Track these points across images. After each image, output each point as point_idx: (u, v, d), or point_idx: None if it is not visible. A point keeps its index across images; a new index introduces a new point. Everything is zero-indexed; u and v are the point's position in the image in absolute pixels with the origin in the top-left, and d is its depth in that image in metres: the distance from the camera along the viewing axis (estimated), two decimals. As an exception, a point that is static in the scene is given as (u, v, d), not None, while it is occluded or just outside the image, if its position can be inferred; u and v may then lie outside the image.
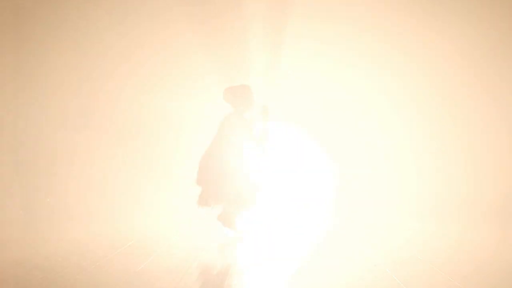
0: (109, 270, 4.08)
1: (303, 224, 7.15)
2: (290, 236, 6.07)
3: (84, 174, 8.03)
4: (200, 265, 4.35)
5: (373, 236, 6.19)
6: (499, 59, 7.86)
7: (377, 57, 7.92)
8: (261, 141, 5.71)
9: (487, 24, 7.80)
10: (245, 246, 5.50)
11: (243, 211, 5.65)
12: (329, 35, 7.94)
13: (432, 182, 7.93)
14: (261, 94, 8.13)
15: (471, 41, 7.87)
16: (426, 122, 8.03)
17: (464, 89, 7.96)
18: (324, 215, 7.84)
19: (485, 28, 7.82)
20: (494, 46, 7.84)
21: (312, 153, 8.07)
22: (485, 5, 7.79)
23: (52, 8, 7.93)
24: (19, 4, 7.85)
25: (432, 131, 8.01)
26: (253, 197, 5.65)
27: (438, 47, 7.91)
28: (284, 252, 5.19)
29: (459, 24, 7.84)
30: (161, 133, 8.13)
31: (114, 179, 8.04)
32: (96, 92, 8.08)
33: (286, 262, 4.63)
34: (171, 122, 8.16)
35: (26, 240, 5.90)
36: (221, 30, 8.01)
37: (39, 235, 6.17)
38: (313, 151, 8.06)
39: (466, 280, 3.73)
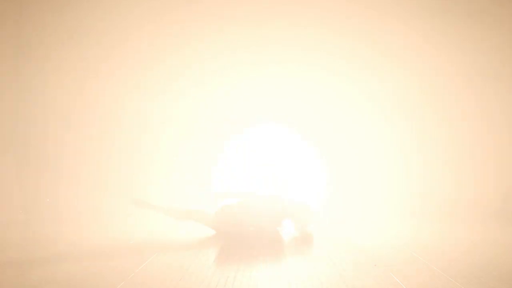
0: (109, 270, 4.08)
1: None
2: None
3: (84, 174, 8.03)
4: (199, 264, 4.35)
5: (373, 236, 6.19)
6: (491, 61, 7.89)
7: (368, 61, 7.98)
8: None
9: (477, 28, 7.84)
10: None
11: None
12: (321, 40, 7.99)
13: (433, 182, 7.94)
14: (252, 97, 8.19)
15: (461, 44, 7.91)
16: (427, 123, 8.04)
17: (457, 88, 8.00)
18: (324, 215, 7.84)
19: (475, 31, 7.86)
20: (485, 50, 7.88)
21: (311, 156, 8.09)
22: (476, 10, 7.83)
23: (51, 10, 7.95)
24: (19, 6, 7.87)
25: (429, 130, 8.04)
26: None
27: (429, 51, 7.96)
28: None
29: (448, 28, 7.88)
30: (163, 134, 8.14)
31: (115, 179, 8.04)
32: (97, 93, 8.09)
33: (285, 261, 4.63)
34: (173, 123, 8.18)
35: (26, 240, 5.90)
36: (213, 32, 8.05)
37: (39, 235, 6.17)
38: (313, 153, 8.09)
39: (466, 280, 3.73)
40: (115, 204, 7.89)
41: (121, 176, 8.06)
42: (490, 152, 7.96)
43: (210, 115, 8.14)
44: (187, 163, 8.20)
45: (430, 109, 8.05)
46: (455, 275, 3.86)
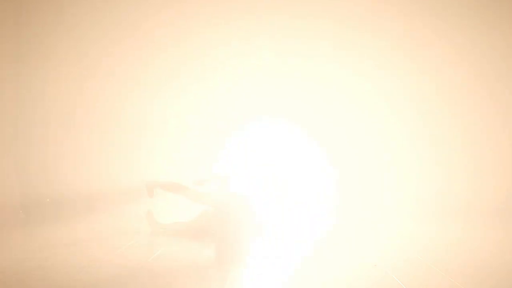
0: (109, 270, 4.08)
1: (303, 224, 7.14)
2: (290, 235, 6.07)
3: (84, 173, 8.03)
4: (198, 263, 4.35)
5: (373, 236, 6.19)
6: (500, 59, 7.86)
7: (378, 57, 7.93)
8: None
9: (487, 25, 7.81)
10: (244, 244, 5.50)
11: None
12: (330, 36, 7.93)
13: (432, 183, 7.93)
14: (254, 93, 8.17)
15: (471, 41, 7.88)
16: (426, 122, 8.03)
17: (463, 89, 7.97)
18: (324, 215, 7.84)
19: (486, 29, 7.83)
20: (495, 47, 7.85)
21: (312, 154, 8.08)
22: (486, 6, 7.80)
23: (51, 9, 7.95)
24: (19, 6, 7.86)
25: (432, 131, 8.02)
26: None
27: (439, 48, 7.92)
28: (283, 252, 5.19)
29: (460, 25, 7.85)
30: (164, 131, 8.14)
31: (114, 179, 8.04)
32: (97, 92, 8.08)
33: (286, 262, 4.63)
34: (174, 121, 8.17)
35: (26, 240, 5.89)
36: (215, 27, 8.03)
37: (39, 235, 6.17)
38: (313, 151, 8.07)
39: (466, 280, 3.73)
40: (115, 204, 7.88)
41: (121, 175, 8.05)
42: (497, 152, 7.92)
43: (212, 112, 8.13)
44: (187, 160, 8.20)
45: (441, 107, 8.00)
46: (456, 275, 3.85)
